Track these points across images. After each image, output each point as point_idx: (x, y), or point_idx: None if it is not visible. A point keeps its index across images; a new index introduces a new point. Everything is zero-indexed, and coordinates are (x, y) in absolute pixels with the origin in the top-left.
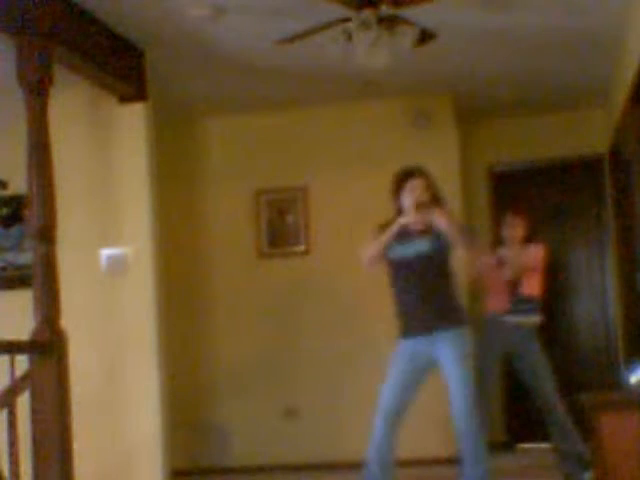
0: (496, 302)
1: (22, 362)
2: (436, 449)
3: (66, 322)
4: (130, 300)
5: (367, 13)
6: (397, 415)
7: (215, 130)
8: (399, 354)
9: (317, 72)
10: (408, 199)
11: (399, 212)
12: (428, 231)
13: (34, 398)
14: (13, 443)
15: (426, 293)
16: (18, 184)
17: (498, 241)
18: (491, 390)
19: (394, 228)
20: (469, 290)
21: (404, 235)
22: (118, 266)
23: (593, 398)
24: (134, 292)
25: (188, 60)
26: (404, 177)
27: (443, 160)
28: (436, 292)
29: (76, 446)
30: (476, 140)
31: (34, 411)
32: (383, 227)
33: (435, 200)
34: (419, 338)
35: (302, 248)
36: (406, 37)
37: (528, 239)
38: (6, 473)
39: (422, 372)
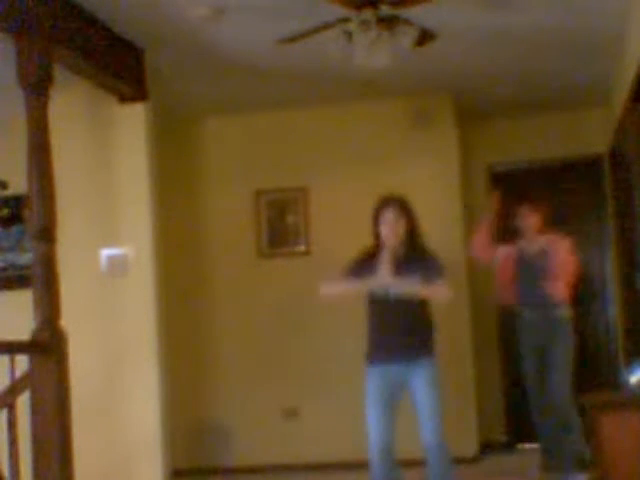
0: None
1: (22, 362)
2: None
3: (66, 322)
4: (130, 300)
5: (367, 13)
6: (390, 444)
7: (215, 130)
8: (373, 383)
9: (317, 72)
10: (384, 230)
11: (377, 238)
12: (410, 264)
13: (34, 398)
14: (13, 443)
15: (404, 326)
16: (18, 184)
17: (512, 233)
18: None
19: (370, 283)
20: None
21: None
22: (118, 266)
23: (593, 398)
24: (134, 292)
25: (188, 60)
26: (380, 206)
27: (443, 160)
28: (414, 326)
29: (76, 446)
30: (476, 140)
31: (34, 411)
32: (359, 263)
33: (409, 230)
34: (392, 365)
35: (302, 248)
36: (406, 37)
37: (544, 229)
38: (6, 473)
39: (396, 397)
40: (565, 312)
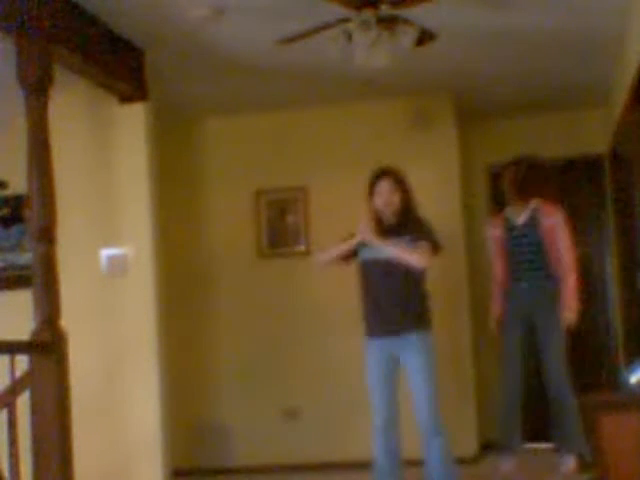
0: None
1: (22, 362)
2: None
3: (66, 322)
4: (130, 300)
5: (367, 13)
6: (394, 413)
7: (215, 130)
8: (373, 356)
9: (317, 72)
10: (378, 201)
11: (373, 213)
12: (401, 231)
13: (34, 398)
14: (13, 443)
15: (396, 295)
16: (18, 184)
17: (500, 202)
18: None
19: (352, 242)
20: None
21: (376, 234)
22: (118, 266)
23: (593, 398)
24: (134, 292)
25: (188, 60)
26: (375, 178)
27: (443, 160)
28: (405, 294)
29: (76, 446)
30: (476, 140)
31: (34, 411)
32: (352, 234)
33: (404, 202)
34: (385, 339)
35: (302, 248)
36: (406, 37)
37: (533, 190)
38: (6, 473)
39: (394, 370)
40: (557, 288)
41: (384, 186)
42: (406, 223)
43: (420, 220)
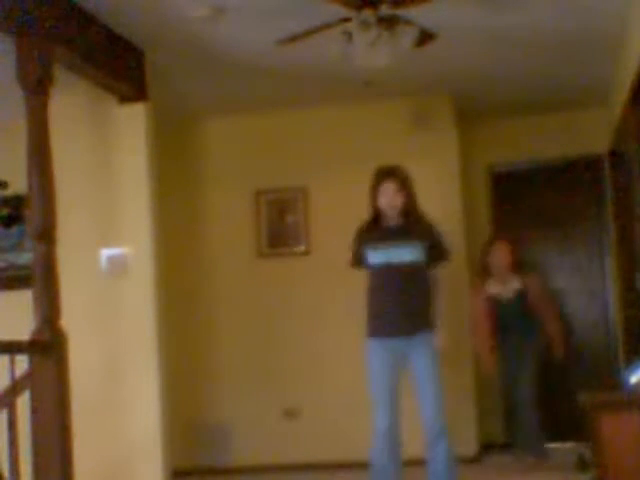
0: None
1: (22, 362)
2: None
3: (66, 322)
4: (130, 300)
5: (367, 13)
6: (397, 416)
7: (215, 130)
8: (378, 357)
9: (317, 72)
10: (382, 200)
11: (375, 210)
12: (409, 235)
13: (34, 398)
14: (13, 443)
15: (406, 297)
16: (18, 184)
17: (485, 270)
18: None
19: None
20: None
21: (383, 236)
22: (118, 266)
23: (593, 398)
24: (134, 292)
25: (188, 60)
26: (379, 177)
27: (443, 160)
28: (415, 297)
29: (76, 446)
30: (476, 140)
31: (34, 411)
32: (361, 233)
33: (408, 203)
34: (394, 339)
35: (302, 248)
36: (406, 37)
37: (517, 265)
38: (6, 473)
39: (399, 372)
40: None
41: (389, 186)
42: (414, 226)
43: (429, 224)
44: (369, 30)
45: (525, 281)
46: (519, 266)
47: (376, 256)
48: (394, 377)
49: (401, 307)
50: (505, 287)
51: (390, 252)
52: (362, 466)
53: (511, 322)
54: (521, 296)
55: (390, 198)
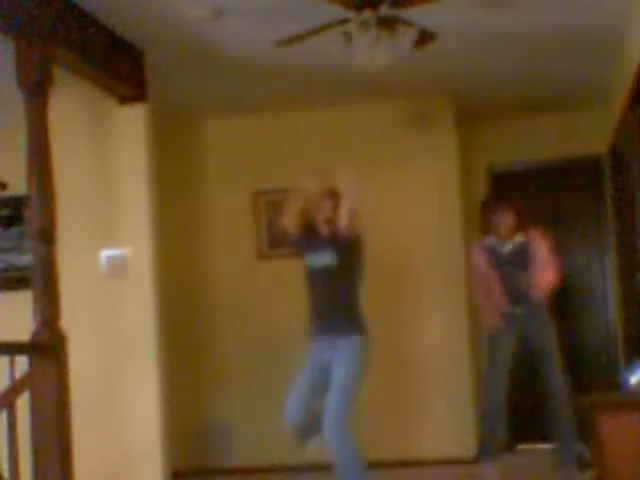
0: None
1: (22, 362)
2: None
3: (66, 323)
4: (130, 301)
5: (367, 14)
6: (304, 423)
7: (215, 131)
8: (310, 356)
9: (317, 73)
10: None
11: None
12: (335, 240)
13: (34, 398)
14: (13, 443)
15: (330, 301)
16: (18, 185)
17: (485, 230)
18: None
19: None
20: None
21: (316, 243)
22: (118, 267)
23: (593, 398)
24: (134, 293)
25: (188, 61)
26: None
27: (443, 161)
28: (339, 300)
29: (76, 447)
30: (476, 140)
31: (34, 411)
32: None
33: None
34: (322, 341)
35: None
36: (406, 37)
37: (518, 227)
38: (6, 473)
39: (325, 373)
40: (545, 306)
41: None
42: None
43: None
44: (369, 31)
45: (528, 234)
46: (523, 227)
47: (309, 260)
48: (317, 378)
49: (327, 311)
50: (505, 242)
51: (318, 257)
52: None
53: (513, 287)
54: (523, 249)
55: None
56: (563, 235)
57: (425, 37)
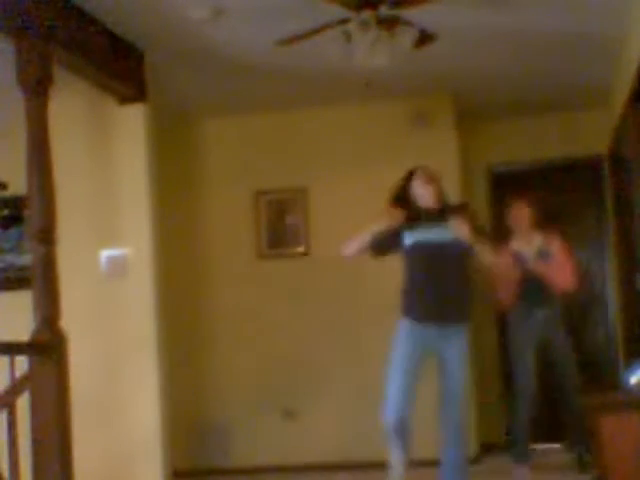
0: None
1: (22, 362)
2: None
3: (66, 323)
4: (130, 301)
5: (367, 14)
6: (407, 416)
7: (215, 131)
8: (408, 342)
9: (317, 73)
10: (419, 188)
11: (405, 204)
12: (445, 217)
13: (34, 398)
14: (13, 443)
15: (446, 282)
16: (18, 185)
17: (504, 233)
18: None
19: (376, 228)
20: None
21: (422, 219)
22: (118, 267)
23: (593, 399)
24: (134, 293)
25: (188, 61)
26: (410, 174)
27: (443, 160)
28: (455, 283)
29: (76, 446)
30: (476, 140)
31: (34, 411)
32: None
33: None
34: (431, 325)
35: (302, 249)
36: (406, 37)
37: (536, 226)
38: (6, 473)
39: (424, 359)
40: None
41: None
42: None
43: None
44: (369, 31)
45: (546, 235)
46: (540, 225)
47: (415, 235)
48: (419, 367)
49: (440, 295)
50: (529, 245)
51: (431, 231)
52: (362, 467)
53: (536, 289)
54: (545, 251)
55: (425, 188)
56: (563, 235)
57: (425, 37)
